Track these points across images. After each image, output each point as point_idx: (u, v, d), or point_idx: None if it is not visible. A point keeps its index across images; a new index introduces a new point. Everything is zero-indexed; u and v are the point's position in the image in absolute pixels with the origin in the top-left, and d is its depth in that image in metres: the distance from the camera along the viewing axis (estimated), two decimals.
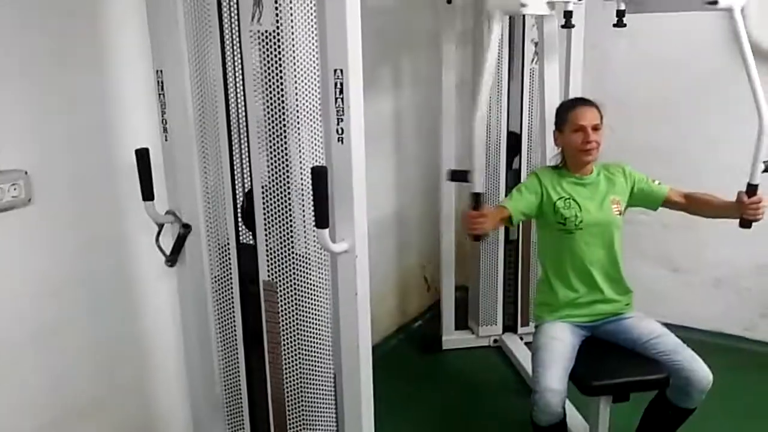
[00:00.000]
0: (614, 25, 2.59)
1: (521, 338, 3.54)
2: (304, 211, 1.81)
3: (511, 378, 3.29)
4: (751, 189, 2.29)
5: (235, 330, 1.98)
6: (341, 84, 1.65)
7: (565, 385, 2.28)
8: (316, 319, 1.88)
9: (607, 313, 2.50)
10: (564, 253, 2.45)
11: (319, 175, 1.64)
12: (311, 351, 1.90)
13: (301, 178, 1.77)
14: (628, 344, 2.44)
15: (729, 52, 3.23)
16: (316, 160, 1.77)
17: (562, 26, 2.54)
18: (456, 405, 3.08)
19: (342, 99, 1.66)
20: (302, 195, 1.79)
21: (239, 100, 1.81)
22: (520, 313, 3.54)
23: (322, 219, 1.66)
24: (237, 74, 1.79)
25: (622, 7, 2.58)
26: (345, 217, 1.73)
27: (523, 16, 3.16)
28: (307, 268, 1.85)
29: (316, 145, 1.78)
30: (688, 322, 3.39)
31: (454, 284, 3.53)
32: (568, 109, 2.44)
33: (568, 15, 2.48)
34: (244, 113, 1.80)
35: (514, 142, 3.35)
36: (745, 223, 2.34)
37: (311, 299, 1.86)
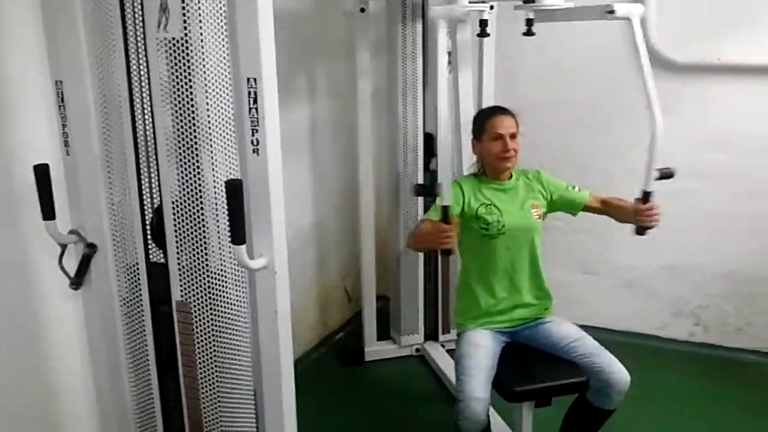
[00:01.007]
0: (523, 34, 2.62)
1: (443, 346, 3.54)
2: (218, 226, 1.73)
3: (434, 386, 3.28)
4: (645, 196, 2.32)
5: (147, 354, 1.87)
6: (255, 93, 1.59)
7: (488, 393, 2.28)
8: (233, 339, 1.80)
9: (527, 318, 2.53)
10: (487, 259, 2.46)
11: (234, 189, 1.57)
12: (229, 373, 1.81)
13: (215, 192, 1.70)
14: (548, 348, 2.47)
15: (632, 61, 3.37)
16: (231, 173, 1.70)
17: (478, 35, 2.56)
18: (381, 416, 3.05)
19: (256, 109, 1.60)
20: (216, 210, 1.71)
21: (146, 112, 1.71)
22: (441, 321, 3.54)
23: (238, 235, 1.59)
24: (143, 84, 1.70)
25: (531, 16, 2.62)
26: (262, 231, 1.67)
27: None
28: (223, 286, 1.76)
29: (229, 157, 1.70)
30: (602, 323, 3.48)
31: (375, 295, 3.50)
32: (485, 117, 2.46)
33: (483, 24, 2.50)
34: (151, 125, 1.71)
35: (430, 143, 3.33)
36: (641, 231, 2.37)
37: (228, 319, 1.78)
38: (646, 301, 3.67)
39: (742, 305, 3.48)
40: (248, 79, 1.59)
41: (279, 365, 1.74)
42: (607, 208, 2.54)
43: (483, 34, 2.53)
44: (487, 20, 2.50)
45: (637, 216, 2.35)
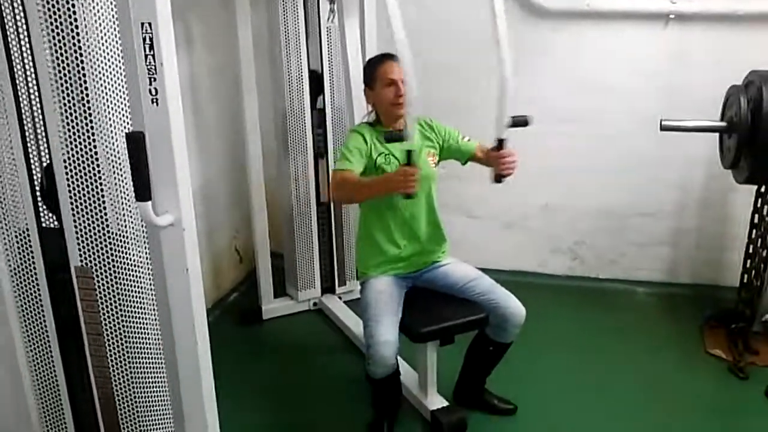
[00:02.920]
0: None
1: (340, 298, 3.56)
2: (116, 184, 1.62)
3: (335, 338, 3.30)
4: (499, 144, 2.30)
5: (45, 326, 1.74)
6: (150, 39, 1.49)
7: (397, 336, 2.33)
8: (142, 304, 1.71)
9: (427, 263, 2.59)
10: (386, 208, 2.47)
11: (136, 142, 1.48)
12: (139, 338, 1.73)
13: (112, 147, 1.58)
14: (447, 289, 2.55)
15: (510, 6, 3.46)
16: (128, 126, 1.59)
17: None
18: (287, 372, 3.03)
19: (153, 56, 1.50)
20: (113, 166, 1.60)
21: (26, 60, 1.56)
22: (337, 274, 3.55)
23: (143, 190, 1.50)
24: (20, 29, 1.54)
25: None
26: (167, 187, 1.58)
27: None
28: (126, 247, 1.66)
29: (124, 108, 1.59)
30: (486, 263, 3.57)
31: (269, 251, 3.44)
32: (376, 64, 2.44)
33: None
34: (33, 76, 1.56)
35: (316, 80, 3.27)
36: (497, 179, 2.33)
37: (134, 282, 1.69)
38: (526, 240, 3.86)
39: (615, 238, 3.75)
40: (142, 24, 1.48)
41: (193, 326, 1.68)
42: (489, 159, 2.59)
43: None
44: None
45: (493, 164, 2.34)
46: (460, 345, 2.60)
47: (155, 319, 1.73)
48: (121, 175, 1.61)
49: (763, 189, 2.96)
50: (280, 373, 3.03)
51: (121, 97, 1.58)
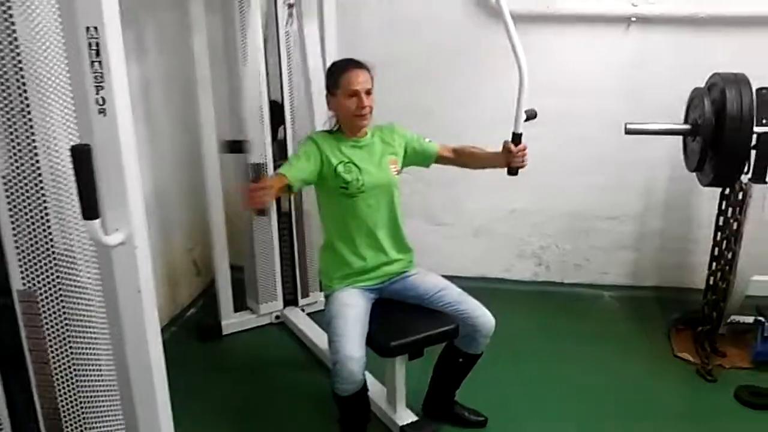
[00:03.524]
0: None
1: (303, 310, 3.46)
2: (61, 200, 1.50)
3: (299, 353, 3.20)
4: (516, 138, 2.37)
5: None
6: (97, 44, 1.38)
7: (364, 351, 2.24)
8: (91, 327, 1.60)
9: (393, 273, 2.51)
10: (348, 218, 2.39)
11: (82, 155, 1.36)
12: (89, 365, 1.61)
13: (56, 161, 1.47)
14: (415, 300, 2.48)
15: (472, 13, 3.43)
16: (73, 138, 1.47)
17: None
18: (248, 390, 2.91)
19: (100, 62, 1.39)
20: (58, 181, 1.48)
21: None
22: (300, 285, 3.45)
23: (90, 208, 1.39)
24: None
25: None
26: (117, 202, 1.47)
27: None
28: (73, 268, 1.55)
29: (69, 120, 1.48)
30: (452, 271, 3.53)
31: (229, 264, 3.31)
32: (339, 72, 2.34)
33: None
34: None
35: (277, 111, 3.19)
36: (512, 171, 2.42)
37: (83, 304, 1.57)
38: (492, 245, 3.82)
39: (580, 242, 3.73)
40: (87, 29, 1.37)
41: (147, 351, 1.58)
42: (459, 156, 2.56)
43: None
44: None
45: (511, 158, 2.38)
46: (429, 356, 2.52)
47: (106, 344, 1.62)
48: (67, 191, 1.49)
49: (727, 191, 2.95)
50: (241, 391, 2.90)
51: (65, 107, 1.46)
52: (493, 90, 3.47)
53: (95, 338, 1.61)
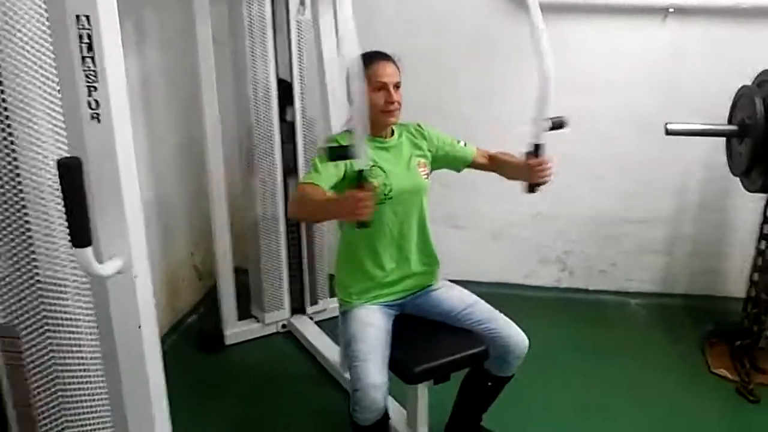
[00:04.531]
0: None
1: (311, 318, 3.24)
2: (48, 222, 1.27)
3: (307, 365, 2.97)
4: (536, 149, 2.03)
5: None
6: (89, 36, 1.15)
7: (386, 376, 2.02)
8: (83, 368, 1.37)
9: (416, 287, 2.29)
10: (373, 227, 2.15)
11: (70, 171, 1.13)
12: (81, 411, 1.39)
13: (41, 177, 1.24)
14: (440, 317, 2.25)
15: (494, 6, 3.19)
16: (61, 149, 1.24)
17: None
18: (253, 405, 2.69)
19: (92, 58, 1.16)
20: (43, 200, 1.25)
21: None
22: (308, 292, 3.22)
23: (80, 234, 1.16)
24: None
25: None
26: (113, 225, 1.25)
27: None
28: (61, 299, 1.32)
29: (57, 127, 1.25)
30: (470, 276, 3.34)
31: (233, 267, 3.08)
32: (366, 64, 2.07)
33: None
34: None
35: (285, 90, 2.94)
36: (532, 188, 2.09)
37: (73, 342, 1.35)
38: (513, 250, 3.60)
39: (605, 248, 3.51)
40: (78, 17, 1.14)
41: (149, 395, 1.35)
42: (496, 164, 2.30)
43: None
44: None
45: (529, 172, 2.05)
46: (454, 375, 2.30)
47: (101, 387, 1.39)
48: (55, 212, 1.26)
49: None
50: (245, 407, 2.68)
51: (51, 113, 1.23)
52: (505, 88, 3.26)
53: (87, 380, 1.38)
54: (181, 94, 3.10)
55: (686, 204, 3.37)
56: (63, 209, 1.15)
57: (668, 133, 2.68)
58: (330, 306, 3.29)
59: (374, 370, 2.00)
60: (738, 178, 2.81)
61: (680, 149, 3.18)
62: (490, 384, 2.29)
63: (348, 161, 2.07)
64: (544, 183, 2.09)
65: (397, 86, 2.11)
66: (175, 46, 3.02)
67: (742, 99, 2.68)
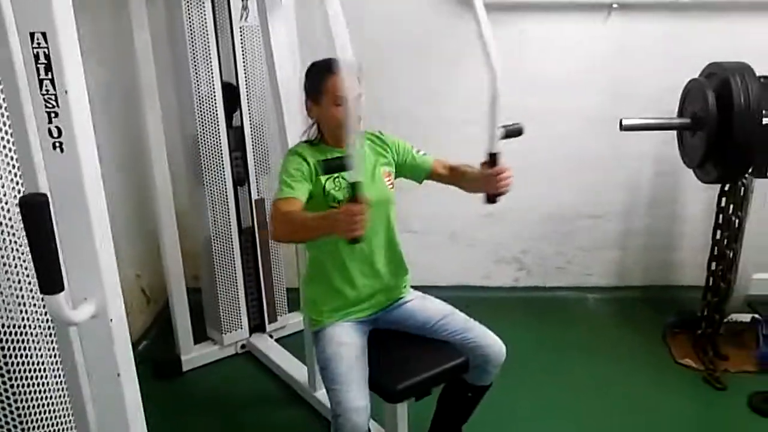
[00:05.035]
0: None
1: (271, 336, 3.11)
2: (7, 267, 1.13)
3: (270, 386, 2.85)
4: (492, 158, 1.96)
5: None
6: (47, 56, 1.02)
7: (368, 398, 1.94)
8: (53, 425, 1.23)
9: (388, 301, 2.21)
10: (340, 243, 2.04)
11: (36, 209, 0.99)
12: None
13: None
14: (416, 330, 2.17)
15: (437, 7, 3.13)
16: (19, 186, 1.10)
17: None
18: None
19: (51, 80, 1.03)
20: (8, 242, 1.11)
21: None
22: (266, 310, 3.09)
23: (51, 279, 1.02)
24: None
25: None
26: (84, 265, 1.11)
27: None
28: (27, 349, 1.18)
29: (9, 160, 1.11)
30: (427, 281, 3.25)
31: (185, 287, 2.92)
32: (324, 75, 1.98)
33: None
34: None
35: (231, 94, 2.80)
36: (491, 199, 2.03)
37: (40, 395, 1.20)
38: (470, 252, 3.56)
39: (561, 245, 3.51)
40: (32, 36, 1.01)
41: None
42: (456, 176, 2.21)
43: None
44: None
45: (486, 182, 1.99)
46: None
47: None
48: (13, 254, 1.12)
49: (727, 187, 2.78)
50: None
51: (5, 145, 1.09)
52: (455, 89, 3.22)
53: None
54: (119, 105, 2.91)
55: (638, 198, 3.41)
56: (25, 252, 1.02)
57: (623, 128, 2.69)
58: (290, 322, 3.18)
59: (355, 393, 1.91)
60: (690, 171, 2.85)
61: (630, 145, 3.21)
62: (470, 395, 2.23)
63: (313, 174, 1.99)
64: (503, 193, 2.02)
65: (357, 98, 1.98)
66: (109, 56, 2.83)
67: (691, 92, 2.71)
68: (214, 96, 2.75)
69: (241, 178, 2.89)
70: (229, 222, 2.90)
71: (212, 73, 2.73)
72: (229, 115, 2.83)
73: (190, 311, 2.97)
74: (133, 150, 2.90)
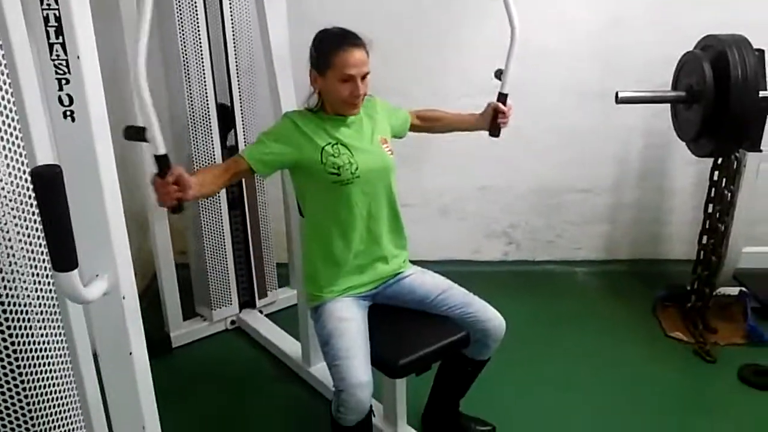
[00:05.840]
0: None
1: (261, 312, 3.08)
2: (11, 244, 1.07)
3: (262, 361, 2.82)
4: (502, 98, 2.33)
5: None
6: (57, 18, 0.96)
7: (370, 374, 1.91)
8: (60, 407, 1.18)
9: (388, 275, 2.18)
10: (342, 211, 2.02)
11: (49, 182, 0.94)
12: None
13: (8, 190, 1.03)
14: (414, 305, 2.16)
15: None
16: (30, 157, 1.04)
17: None
18: (209, 409, 2.53)
19: (62, 45, 0.97)
20: (9, 217, 1.05)
21: None
22: (257, 285, 3.05)
23: (64, 256, 0.97)
24: None
25: None
26: (95, 241, 1.06)
27: None
28: (32, 327, 1.12)
29: (14, 132, 1.04)
30: (418, 255, 3.26)
31: (174, 264, 2.86)
32: (333, 48, 1.93)
33: None
34: None
35: (225, 115, 2.79)
36: (496, 132, 2.37)
37: (49, 375, 1.15)
38: (460, 226, 3.54)
39: (550, 218, 3.51)
40: None
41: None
42: (429, 122, 2.40)
43: None
44: None
45: (499, 119, 2.33)
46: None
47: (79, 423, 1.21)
48: (21, 229, 1.06)
49: (719, 161, 2.78)
50: (202, 411, 2.52)
51: (9, 114, 1.02)
52: (458, 58, 3.17)
53: (68, 422, 1.19)
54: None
55: (627, 171, 3.41)
56: (27, 227, 0.97)
57: (619, 101, 2.68)
58: (280, 297, 3.15)
59: (358, 369, 1.88)
60: (680, 144, 2.85)
61: (621, 117, 3.20)
62: (469, 369, 2.22)
63: (315, 138, 1.96)
64: (504, 126, 2.37)
65: (363, 77, 1.95)
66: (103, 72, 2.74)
67: (687, 65, 2.70)
68: (208, 116, 2.73)
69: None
70: (218, 196, 2.84)
71: (206, 92, 2.70)
72: (224, 134, 2.82)
73: (180, 286, 2.92)
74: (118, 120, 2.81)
